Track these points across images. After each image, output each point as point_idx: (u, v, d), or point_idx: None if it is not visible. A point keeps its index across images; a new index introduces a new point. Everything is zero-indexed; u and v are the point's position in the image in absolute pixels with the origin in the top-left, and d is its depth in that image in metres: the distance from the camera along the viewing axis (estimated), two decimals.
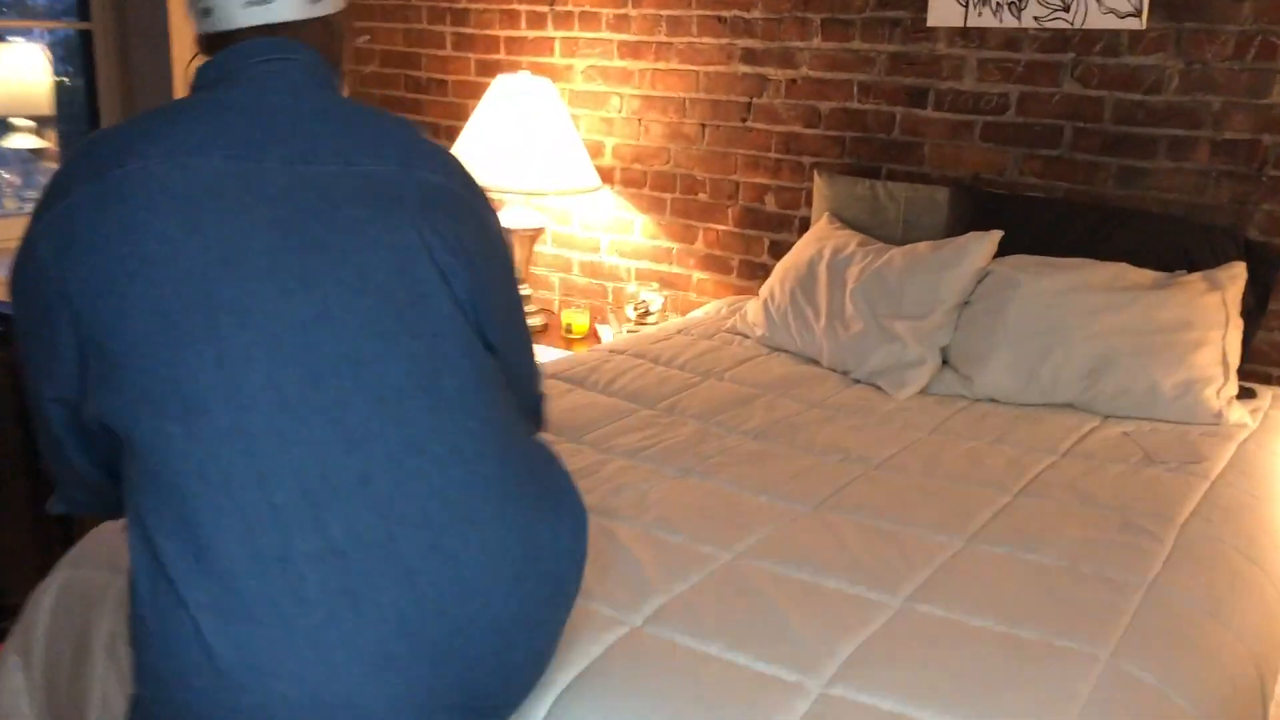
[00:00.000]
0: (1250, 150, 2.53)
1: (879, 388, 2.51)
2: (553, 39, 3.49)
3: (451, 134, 3.75)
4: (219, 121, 1.13)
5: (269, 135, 1.14)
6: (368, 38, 3.89)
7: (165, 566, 1.04)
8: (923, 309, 2.53)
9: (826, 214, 2.95)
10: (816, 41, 3.03)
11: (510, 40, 3.58)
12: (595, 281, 3.60)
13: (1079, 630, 1.51)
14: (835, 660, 1.44)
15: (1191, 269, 2.49)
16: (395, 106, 3.88)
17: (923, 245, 2.62)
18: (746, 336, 2.85)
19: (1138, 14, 2.59)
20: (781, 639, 1.47)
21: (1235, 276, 2.44)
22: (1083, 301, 2.42)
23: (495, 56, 3.62)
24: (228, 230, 1.07)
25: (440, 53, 3.74)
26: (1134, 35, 2.61)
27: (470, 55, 3.68)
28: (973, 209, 2.75)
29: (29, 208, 3.06)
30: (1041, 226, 2.66)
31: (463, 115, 3.72)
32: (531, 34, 3.53)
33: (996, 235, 2.55)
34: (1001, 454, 2.17)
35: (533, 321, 3.38)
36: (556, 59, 3.50)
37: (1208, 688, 1.47)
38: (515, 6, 3.54)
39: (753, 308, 2.87)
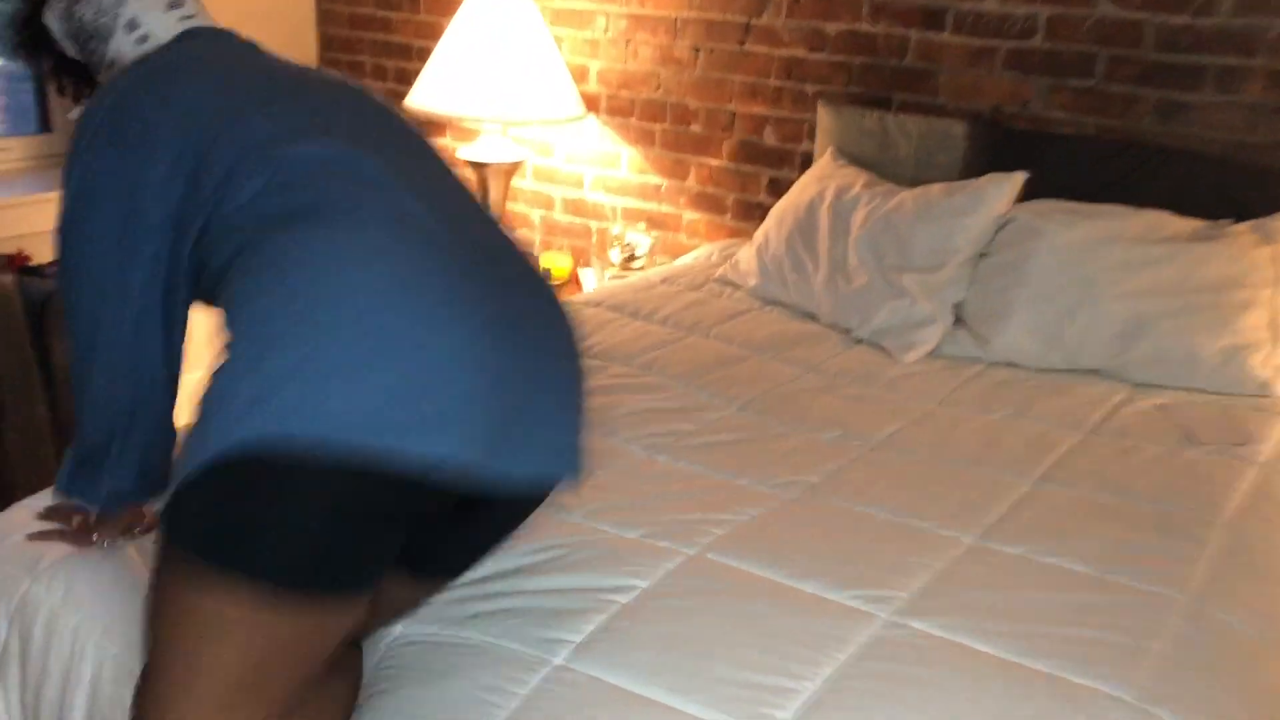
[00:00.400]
0: None
1: (883, 349, 2.24)
2: None
3: (423, 55, 3.45)
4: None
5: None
6: None
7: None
8: (935, 260, 2.25)
9: (831, 149, 2.65)
10: None
11: None
12: (579, 220, 3.31)
13: (1102, 665, 1.26)
14: (800, 698, 1.19)
15: (1239, 218, 2.20)
16: (363, 25, 3.56)
17: (936, 188, 2.33)
18: (738, 287, 2.57)
19: None
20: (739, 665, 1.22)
21: None
22: (1115, 255, 2.13)
23: None
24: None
25: None
26: None
27: None
28: (993, 146, 2.46)
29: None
30: (1069, 167, 2.37)
31: (435, 34, 3.41)
32: None
33: (1019, 177, 2.26)
34: (1020, 431, 1.91)
35: None
36: None
37: None
38: None
39: (745, 255, 2.59)
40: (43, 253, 2.77)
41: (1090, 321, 2.12)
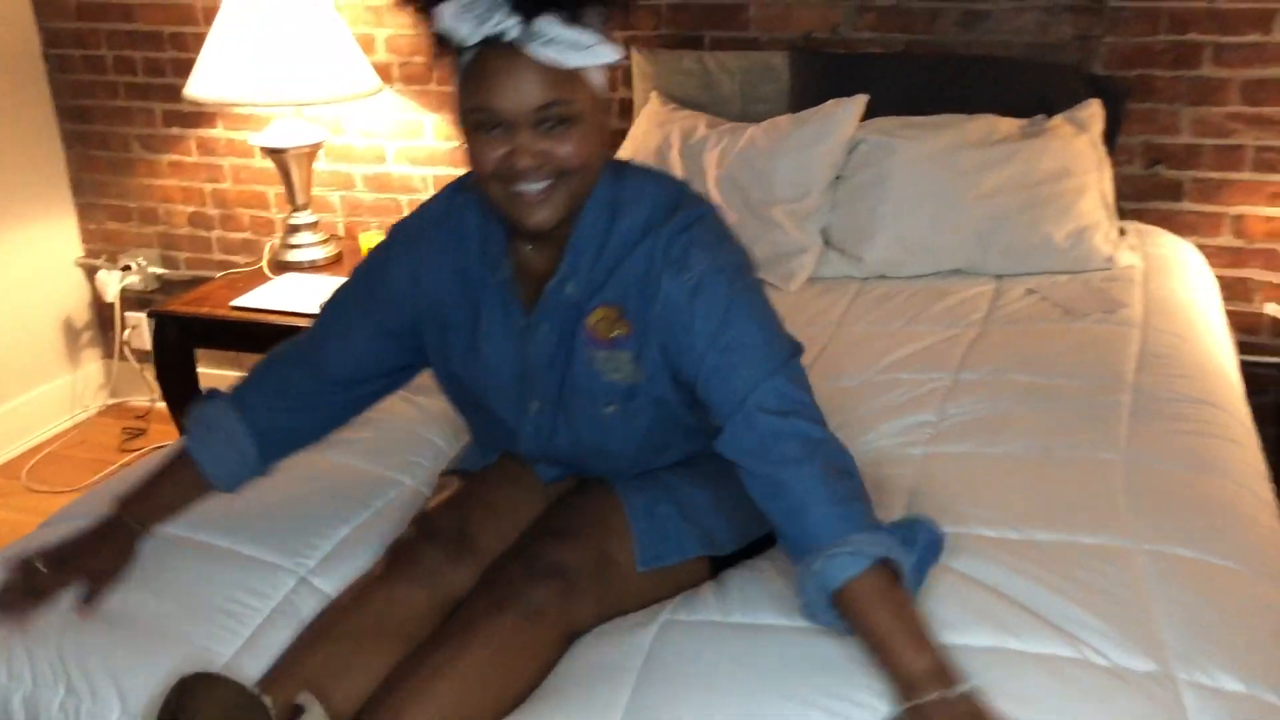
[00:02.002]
0: None
1: (765, 281, 2.31)
2: None
3: (177, 42, 3.18)
4: None
5: None
6: None
7: None
8: (797, 190, 2.34)
9: (654, 93, 2.68)
10: None
11: None
12: (385, 196, 3.18)
13: (1087, 527, 1.40)
14: None
15: (1048, 112, 2.42)
16: (96, 15, 3.23)
17: (784, 120, 2.42)
18: None
19: None
20: None
21: (1094, 115, 2.40)
22: (961, 161, 2.30)
23: None
24: None
25: None
26: None
27: None
28: (813, 73, 2.56)
29: None
30: (888, 84, 2.51)
31: (189, 19, 3.14)
32: None
33: (862, 99, 2.39)
34: (921, 336, 2.04)
35: (320, 254, 2.95)
36: None
37: (1241, 540, 1.40)
38: None
39: None
40: None
41: (951, 225, 2.28)
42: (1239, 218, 2.54)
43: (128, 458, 3.28)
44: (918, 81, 2.50)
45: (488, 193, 1.29)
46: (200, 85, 2.77)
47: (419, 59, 3.00)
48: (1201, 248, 2.49)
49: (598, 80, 1.27)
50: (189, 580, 1.36)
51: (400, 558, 1.37)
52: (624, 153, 2.59)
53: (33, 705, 1.25)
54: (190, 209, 3.38)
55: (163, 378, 2.76)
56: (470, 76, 1.23)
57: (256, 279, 2.87)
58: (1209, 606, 1.26)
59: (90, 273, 3.52)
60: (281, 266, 2.94)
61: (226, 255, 3.41)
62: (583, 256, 1.34)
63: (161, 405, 3.52)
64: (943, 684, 1.09)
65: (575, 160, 1.25)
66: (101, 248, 3.51)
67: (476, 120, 1.25)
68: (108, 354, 3.63)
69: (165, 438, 3.37)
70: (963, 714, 1.08)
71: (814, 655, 1.21)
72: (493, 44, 1.20)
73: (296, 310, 2.64)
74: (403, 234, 1.47)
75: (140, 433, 3.44)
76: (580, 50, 1.20)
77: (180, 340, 2.73)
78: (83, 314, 3.57)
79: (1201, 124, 2.50)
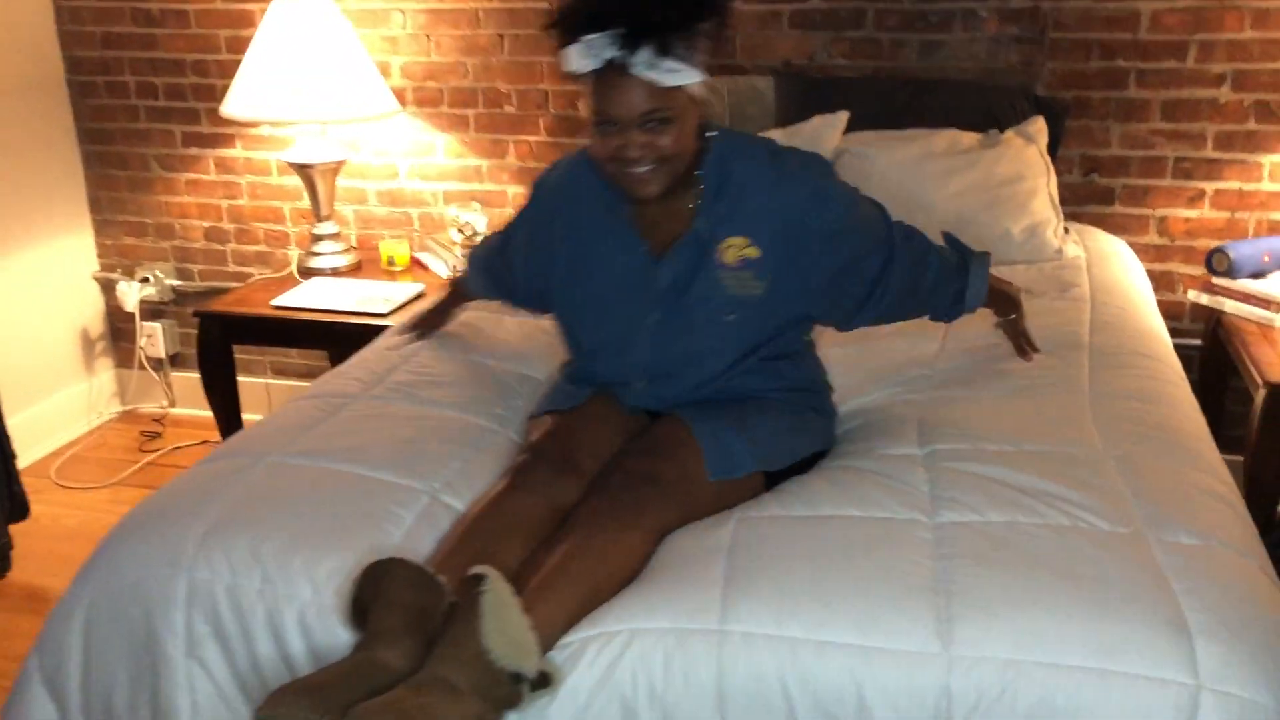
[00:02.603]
0: (1033, 16, 2.86)
1: None
2: None
3: (200, 69, 3.44)
4: None
5: None
6: None
7: None
8: None
9: None
10: None
11: None
12: (397, 210, 3.46)
13: (1062, 434, 1.77)
14: None
15: (1000, 128, 2.80)
16: (124, 44, 3.48)
17: (775, 134, 2.76)
18: None
19: None
20: None
21: (1040, 130, 2.78)
22: (933, 168, 2.67)
23: None
24: None
25: None
26: None
27: None
28: (796, 95, 2.92)
29: None
30: (860, 104, 2.87)
31: (211, 47, 3.41)
32: None
33: (844, 116, 2.74)
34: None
35: (342, 261, 3.22)
36: None
37: (1182, 437, 1.80)
38: None
39: None
40: None
41: (924, 224, 2.59)
42: (1163, 219, 2.95)
43: (150, 456, 3.49)
44: (886, 101, 2.87)
45: (606, 171, 1.66)
46: (236, 104, 3.04)
47: (432, 84, 3.30)
48: (1132, 245, 2.89)
49: (691, 91, 1.64)
50: (350, 497, 1.63)
51: (518, 476, 1.67)
52: None
53: (234, 593, 1.52)
54: (207, 224, 3.62)
55: (205, 371, 3.00)
56: (594, 90, 1.61)
57: (287, 283, 3.13)
58: (1165, 482, 1.62)
59: (105, 286, 3.73)
60: (307, 273, 3.20)
61: (241, 267, 3.65)
62: (708, 201, 1.73)
63: (176, 411, 3.75)
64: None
65: (673, 149, 1.64)
66: (116, 262, 3.72)
67: (597, 120, 1.62)
68: (119, 363, 3.83)
69: (180, 439, 3.60)
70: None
71: (863, 534, 1.53)
72: (608, 67, 1.57)
73: (329, 308, 2.90)
74: (539, 186, 1.98)
75: (157, 435, 3.65)
76: (670, 74, 1.59)
77: (223, 337, 2.98)
78: (97, 325, 3.78)
79: (1129, 138, 2.91)
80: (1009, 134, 2.76)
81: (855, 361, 2.15)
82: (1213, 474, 1.70)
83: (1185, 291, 2.94)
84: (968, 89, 2.89)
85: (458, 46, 3.25)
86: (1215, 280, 2.70)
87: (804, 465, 1.79)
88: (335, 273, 3.21)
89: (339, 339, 2.89)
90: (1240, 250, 2.66)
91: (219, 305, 3.01)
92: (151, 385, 3.78)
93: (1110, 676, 1.29)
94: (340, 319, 2.86)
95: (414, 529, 1.61)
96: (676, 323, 1.78)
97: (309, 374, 3.68)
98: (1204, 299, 2.72)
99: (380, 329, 2.56)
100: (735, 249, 1.74)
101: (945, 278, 1.92)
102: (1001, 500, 1.57)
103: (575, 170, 1.87)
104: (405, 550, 1.53)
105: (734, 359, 1.78)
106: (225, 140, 3.51)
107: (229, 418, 3.05)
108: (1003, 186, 2.65)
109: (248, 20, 3.35)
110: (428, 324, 2.31)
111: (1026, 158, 2.70)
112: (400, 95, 3.30)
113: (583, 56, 1.58)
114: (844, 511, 1.59)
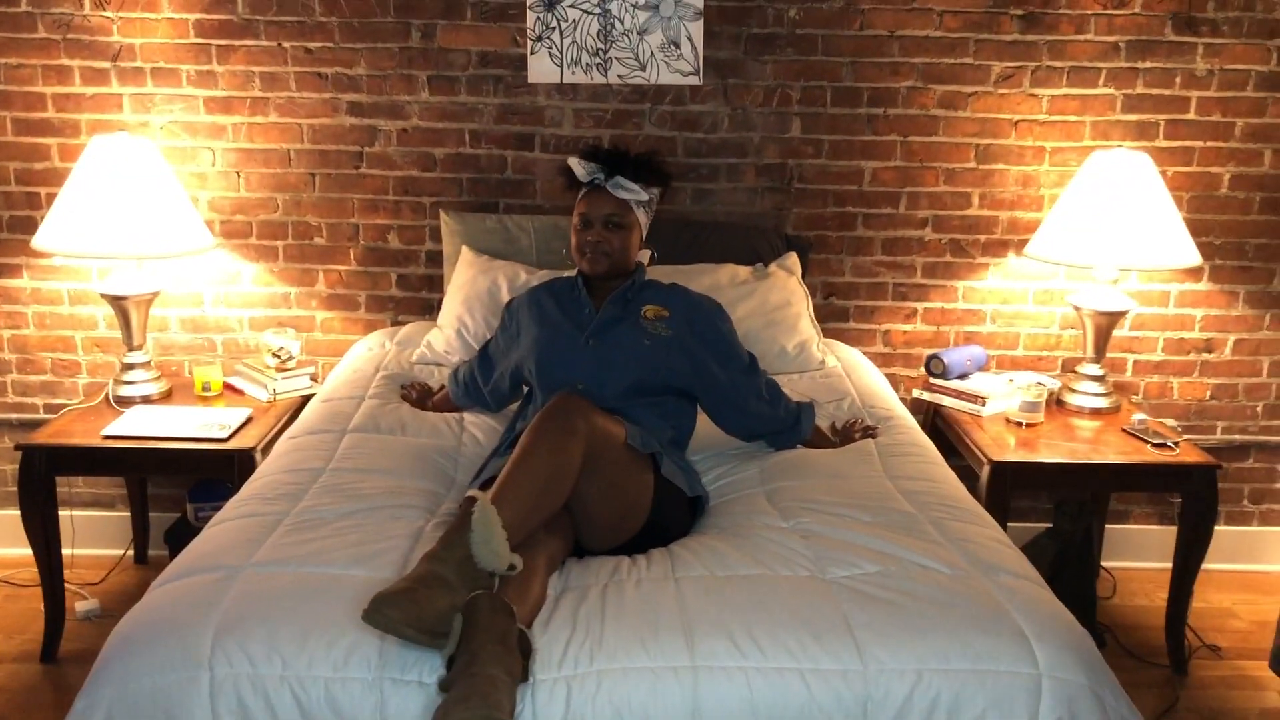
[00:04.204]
0: (781, 171, 3.49)
1: None
2: (120, 95, 3.37)
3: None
4: None
5: None
6: None
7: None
8: None
9: (465, 247, 3.36)
10: (424, 95, 3.40)
11: (61, 97, 3.37)
12: (200, 335, 3.57)
13: (873, 504, 2.30)
14: None
15: (764, 262, 3.39)
16: None
17: None
18: (442, 364, 3.18)
19: (696, 73, 3.41)
20: None
21: (794, 263, 3.40)
22: (722, 296, 3.17)
23: (41, 115, 3.38)
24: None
25: None
26: (694, 89, 3.43)
27: (6, 113, 3.38)
28: None
29: None
30: (653, 242, 3.36)
31: (2, 178, 3.41)
32: (90, 90, 3.37)
33: (647, 252, 3.21)
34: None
35: (154, 389, 3.29)
36: (127, 115, 3.39)
37: (946, 488, 2.37)
38: (64, 62, 3.34)
39: (436, 338, 3.20)
40: None
41: None
42: (886, 332, 3.64)
43: None
44: (672, 241, 3.38)
45: (575, 255, 2.61)
46: (49, 238, 3.09)
47: (240, 217, 3.47)
48: (865, 354, 3.54)
49: (637, 214, 2.61)
50: (338, 590, 1.86)
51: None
52: (455, 296, 3.24)
53: (257, 682, 1.70)
54: None
55: (25, 504, 2.97)
56: (581, 199, 2.59)
57: (103, 412, 3.16)
58: (972, 537, 2.16)
59: None
60: (121, 401, 3.24)
61: (21, 398, 3.59)
62: (635, 289, 2.64)
63: None
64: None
65: (619, 248, 2.59)
66: None
67: (579, 219, 2.58)
68: None
69: None
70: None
71: (778, 588, 1.95)
72: (592, 185, 2.56)
73: (167, 435, 2.98)
74: (509, 305, 2.81)
75: None
76: (634, 194, 2.57)
77: (47, 470, 2.98)
78: None
79: (858, 268, 3.59)
80: (773, 267, 3.35)
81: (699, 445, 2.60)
82: (994, 529, 2.27)
83: (909, 390, 3.63)
84: (732, 229, 3.47)
85: (268, 182, 3.46)
86: (933, 380, 3.39)
87: (690, 515, 2.34)
88: (146, 400, 3.27)
89: (172, 467, 2.98)
90: (951, 357, 3.37)
91: (39, 437, 3.01)
92: None
93: (984, 674, 1.78)
94: (177, 445, 2.95)
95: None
96: (607, 342, 2.54)
97: (95, 503, 3.66)
98: (926, 396, 3.40)
99: (223, 454, 2.76)
100: (652, 309, 2.59)
101: (783, 410, 2.71)
102: (867, 557, 2.05)
103: (538, 287, 2.76)
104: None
105: (643, 374, 2.50)
106: (11, 271, 3.48)
107: (50, 552, 3.02)
108: (775, 311, 3.22)
109: (41, 154, 3.39)
110: (420, 398, 2.96)
111: (790, 286, 3.29)
112: (210, 226, 3.44)
113: (579, 168, 2.56)
114: (755, 571, 2.01)
